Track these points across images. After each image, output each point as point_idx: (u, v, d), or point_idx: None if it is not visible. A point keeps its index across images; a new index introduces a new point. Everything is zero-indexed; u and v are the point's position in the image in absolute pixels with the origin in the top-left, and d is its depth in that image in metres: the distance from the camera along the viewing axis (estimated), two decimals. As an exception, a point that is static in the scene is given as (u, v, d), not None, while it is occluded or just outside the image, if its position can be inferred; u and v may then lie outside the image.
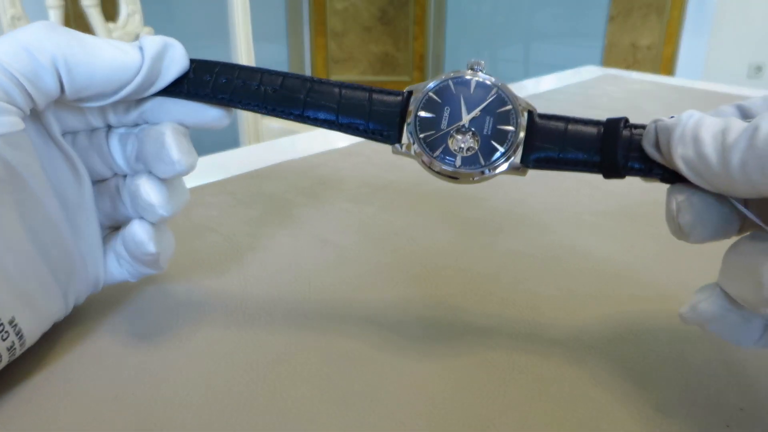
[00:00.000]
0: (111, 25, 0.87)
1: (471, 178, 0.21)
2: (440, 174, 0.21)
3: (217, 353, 0.23)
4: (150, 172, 0.23)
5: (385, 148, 0.23)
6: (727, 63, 2.25)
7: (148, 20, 0.91)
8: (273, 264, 0.30)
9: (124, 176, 0.24)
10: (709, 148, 0.17)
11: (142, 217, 0.24)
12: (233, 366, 0.23)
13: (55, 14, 0.80)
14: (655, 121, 0.19)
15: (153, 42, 0.21)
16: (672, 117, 0.19)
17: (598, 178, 0.21)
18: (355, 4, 2.65)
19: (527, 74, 2.49)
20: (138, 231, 0.23)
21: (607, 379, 0.22)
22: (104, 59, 0.20)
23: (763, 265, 0.17)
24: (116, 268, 0.25)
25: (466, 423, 0.20)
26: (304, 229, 0.34)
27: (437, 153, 0.21)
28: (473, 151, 0.21)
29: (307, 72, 2.67)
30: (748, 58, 2.21)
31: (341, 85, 0.22)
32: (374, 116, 0.22)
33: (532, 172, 0.22)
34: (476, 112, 0.21)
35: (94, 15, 0.84)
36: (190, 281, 0.28)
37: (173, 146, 0.22)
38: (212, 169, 0.44)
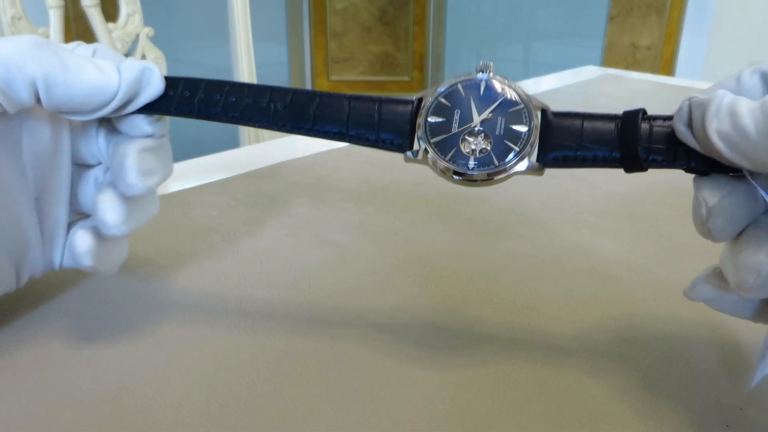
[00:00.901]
0: (111, 25, 0.87)
1: (486, 181, 0.21)
2: (454, 179, 0.21)
3: (217, 353, 0.23)
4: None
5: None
6: (727, 63, 2.25)
7: (148, 20, 0.91)
8: (273, 264, 0.30)
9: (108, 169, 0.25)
10: (747, 120, 0.16)
11: (88, 226, 0.24)
12: (233, 366, 0.23)
13: (55, 14, 0.80)
14: (689, 99, 0.18)
15: (131, 68, 0.22)
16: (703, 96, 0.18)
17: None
18: (355, 4, 2.64)
19: (527, 74, 2.48)
20: (79, 242, 0.23)
21: (608, 378, 0.22)
22: (84, 83, 0.21)
23: (745, 249, 0.18)
24: (73, 260, 0.25)
25: (466, 423, 0.20)
26: (304, 229, 0.34)
27: (449, 156, 0.21)
28: (486, 153, 0.20)
29: (307, 72, 2.67)
30: (748, 58, 2.21)
31: (350, 98, 0.22)
32: (384, 126, 0.22)
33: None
34: (487, 113, 0.21)
35: (94, 15, 0.84)
36: (190, 281, 0.28)
37: (132, 168, 0.22)
38: (212, 169, 0.44)
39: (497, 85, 0.21)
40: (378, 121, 0.22)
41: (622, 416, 0.20)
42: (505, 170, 0.20)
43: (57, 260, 0.25)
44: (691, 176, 0.19)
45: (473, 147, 0.21)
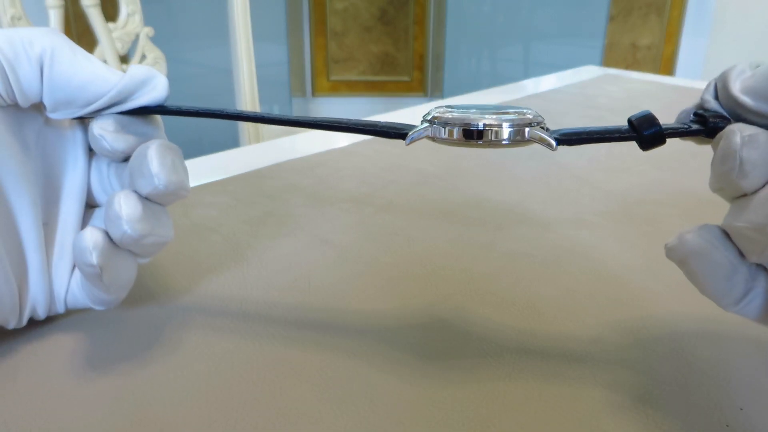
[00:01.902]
0: (111, 24, 0.87)
1: (495, 142, 0.20)
2: (459, 139, 0.20)
3: (217, 353, 0.23)
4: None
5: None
6: (727, 63, 2.24)
7: (148, 20, 0.91)
8: (273, 264, 0.30)
9: None
10: (765, 67, 0.17)
11: (97, 228, 0.22)
12: (233, 366, 0.23)
13: (55, 14, 0.80)
14: (715, 80, 0.20)
15: (137, 68, 0.22)
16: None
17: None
18: (355, 4, 2.64)
19: (527, 74, 2.48)
20: (85, 237, 0.21)
21: (607, 378, 0.22)
22: (86, 68, 0.22)
23: None
24: (79, 291, 0.24)
25: (466, 423, 0.20)
26: (304, 229, 0.34)
27: (457, 125, 0.20)
28: (497, 124, 0.20)
29: (307, 72, 2.67)
30: (748, 58, 2.21)
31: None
32: (388, 125, 0.22)
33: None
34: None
35: (94, 15, 0.84)
36: (190, 281, 0.28)
37: (154, 159, 0.21)
38: (212, 169, 0.44)
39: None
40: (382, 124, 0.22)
41: (621, 416, 0.20)
42: (517, 135, 0.20)
43: (61, 294, 0.24)
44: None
45: (484, 122, 0.20)
